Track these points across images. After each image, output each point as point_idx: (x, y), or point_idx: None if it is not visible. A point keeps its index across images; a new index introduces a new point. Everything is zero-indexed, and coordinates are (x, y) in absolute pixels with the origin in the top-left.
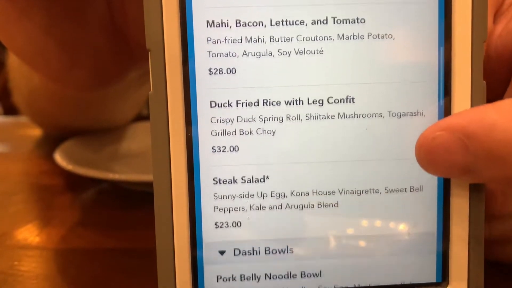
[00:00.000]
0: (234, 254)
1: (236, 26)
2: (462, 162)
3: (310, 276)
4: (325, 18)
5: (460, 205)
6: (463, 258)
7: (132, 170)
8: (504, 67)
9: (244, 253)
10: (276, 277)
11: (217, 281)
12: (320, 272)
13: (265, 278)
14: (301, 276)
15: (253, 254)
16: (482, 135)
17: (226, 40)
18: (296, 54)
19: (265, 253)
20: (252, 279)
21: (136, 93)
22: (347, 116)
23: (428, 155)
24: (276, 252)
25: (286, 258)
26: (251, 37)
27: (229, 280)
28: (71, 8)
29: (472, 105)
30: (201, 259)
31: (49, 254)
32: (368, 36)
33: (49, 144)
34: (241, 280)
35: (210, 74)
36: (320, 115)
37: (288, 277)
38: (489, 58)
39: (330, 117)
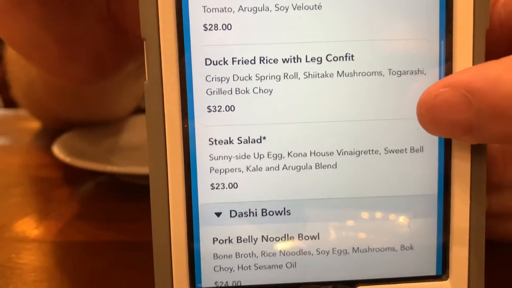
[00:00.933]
0: (231, 216)
1: None
2: (465, 119)
3: (308, 238)
4: None
5: (461, 167)
6: (463, 251)
7: (131, 163)
8: (508, 36)
9: (240, 215)
10: (273, 239)
11: (213, 243)
12: (318, 234)
13: (262, 240)
14: (299, 238)
15: (249, 215)
16: (486, 90)
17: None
18: (294, 9)
19: (262, 215)
20: (249, 241)
21: (134, 85)
22: (346, 74)
23: (430, 113)
24: (273, 214)
25: (283, 220)
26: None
27: (225, 242)
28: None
29: None
30: (196, 220)
31: (48, 247)
32: None
33: (48, 137)
34: (237, 242)
35: (205, 30)
36: (318, 73)
37: (285, 239)
38: (493, 27)
39: (328, 75)
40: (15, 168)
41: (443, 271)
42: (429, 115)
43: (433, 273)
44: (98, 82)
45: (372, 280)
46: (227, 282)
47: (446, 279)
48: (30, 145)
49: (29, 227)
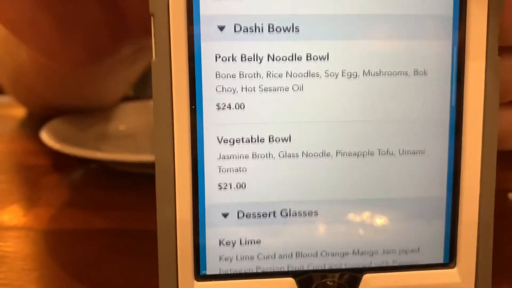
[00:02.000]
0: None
1: None
2: None
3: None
4: None
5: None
6: (471, 239)
7: (121, 150)
8: None
9: (249, 215)
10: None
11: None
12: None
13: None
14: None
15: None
16: None
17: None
18: None
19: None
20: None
21: (126, 71)
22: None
23: None
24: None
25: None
26: None
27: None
28: None
29: (486, 83)
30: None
31: (37, 234)
32: None
33: (33, 124)
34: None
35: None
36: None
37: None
38: None
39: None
40: (0, 156)
41: (450, 259)
42: None
43: (441, 261)
44: (93, 65)
45: (379, 268)
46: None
47: (454, 267)
48: (15, 132)
49: (17, 214)
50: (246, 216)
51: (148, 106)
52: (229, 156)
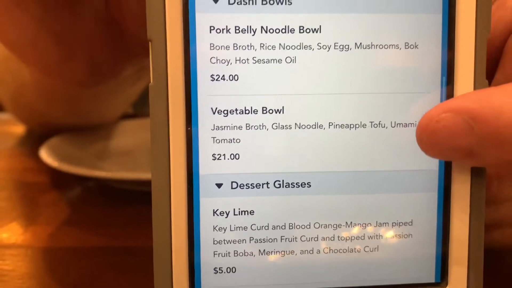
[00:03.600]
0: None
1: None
2: (467, 145)
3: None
4: None
5: (461, 182)
6: (462, 258)
7: (119, 168)
8: (493, 46)
9: (242, 186)
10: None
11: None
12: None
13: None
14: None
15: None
16: (490, 118)
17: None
18: None
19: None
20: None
21: (128, 90)
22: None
23: (431, 138)
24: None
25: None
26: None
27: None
28: None
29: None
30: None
31: (35, 252)
32: None
33: (33, 142)
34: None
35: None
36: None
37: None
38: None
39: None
40: None
41: (442, 278)
42: (430, 139)
43: (432, 280)
44: (95, 86)
45: (371, 287)
46: None
47: (445, 286)
48: (14, 149)
49: (15, 232)
50: (240, 186)
51: (147, 124)
52: (223, 127)
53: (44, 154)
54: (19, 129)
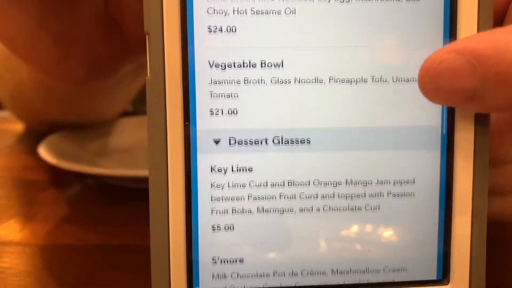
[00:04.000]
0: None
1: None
2: (469, 86)
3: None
4: None
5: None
6: (464, 255)
7: (119, 165)
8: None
9: (240, 142)
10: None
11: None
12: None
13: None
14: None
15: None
16: (493, 58)
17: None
18: None
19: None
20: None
21: (127, 88)
22: None
23: (433, 80)
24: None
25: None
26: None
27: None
28: None
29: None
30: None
31: (33, 250)
32: None
33: (31, 140)
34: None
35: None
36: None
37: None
38: None
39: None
40: None
41: (444, 276)
42: (432, 82)
43: (434, 277)
44: (94, 83)
45: (372, 284)
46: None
47: (447, 284)
48: (13, 147)
49: (13, 230)
50: (238, 143)
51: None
52: (220, 81)
53: (43, 152)
54: (18, 127)
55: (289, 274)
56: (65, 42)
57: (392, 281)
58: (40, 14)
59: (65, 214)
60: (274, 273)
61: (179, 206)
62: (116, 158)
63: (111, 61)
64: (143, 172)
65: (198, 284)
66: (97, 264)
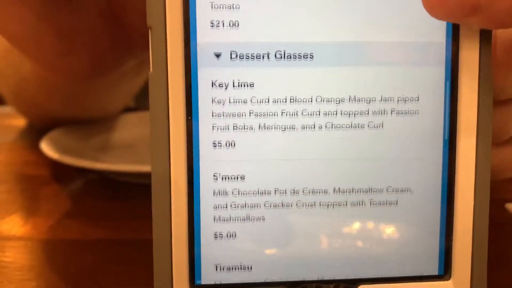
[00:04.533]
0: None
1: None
2: None
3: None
4: None
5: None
6: (466, 251)
7: (121, 161)
8: None
9: (241, 56)
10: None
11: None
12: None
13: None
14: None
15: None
16: None
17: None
18: None
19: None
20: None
21: (130, 83)
22: None
23: None
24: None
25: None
26: None
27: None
28: None
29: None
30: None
31: (35, 245)
32: None
33: (33, 135)
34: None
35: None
36: None
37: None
38: None
39: None
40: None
41: (445, 271)
42: None
43: (436, 272)
44: (96, 79)
45: (374, 279)
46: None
47: (449, 279)
48: (15, 142)
49: (15, 224)
50: (239, 57)
51: (148, 118)
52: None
53: (45, 147)
54: (20, 122)
55: (290, 192)
56: (68, 37)
57: (393, 276)
58: (42, 9)
59: (67, 209)
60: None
61: (182, 200)
62: (118, 153)
63: (113, 56)
64: (145, 168)
65: (200, 278)
66: (99, 259)
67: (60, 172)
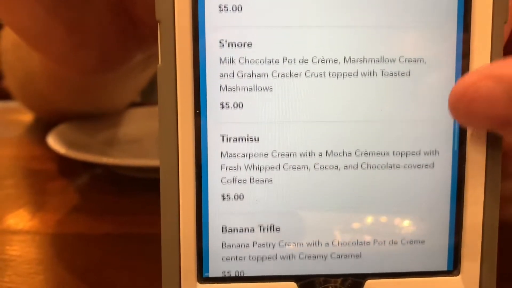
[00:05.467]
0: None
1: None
2: (505, 114)
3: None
4: None
5: (476, 167)
6: (476, 246)
7: (127, 155)
8: None
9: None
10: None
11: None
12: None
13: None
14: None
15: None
16: None
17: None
18: None
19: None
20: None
21: (137, 78)
22: None
23: (468, 106)
24: None
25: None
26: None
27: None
28: None
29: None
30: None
31: (42, 238)
32: None
33: (40, 130)
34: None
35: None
36: None
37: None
38: None
39: None
40: (6, 160)
41: (454, 267)
42: (467, 109)
43: (444, 268)
44: (105, 73)
45: (382, 274)
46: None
47: (458, 275)
48: (22, 137)
49: (23, 219)
50: None
51: (155, 112)
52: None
53: (52, 141)
54: (27, 117)
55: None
56: (77, 31)
57: (402, 271)
58: (52, 3)
59: (74, 203)
60: None
61: (190, 192)
62: (125, 148)
63: (122, 50)
64: (151, 162)
65: (208, 271)
66: (106, 253)
67: (67, 167)
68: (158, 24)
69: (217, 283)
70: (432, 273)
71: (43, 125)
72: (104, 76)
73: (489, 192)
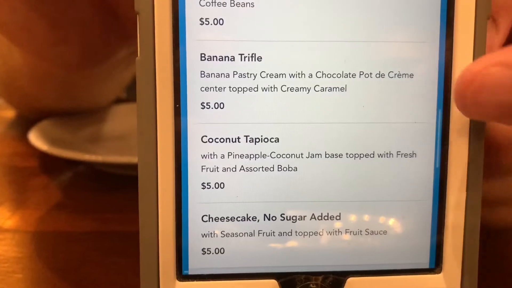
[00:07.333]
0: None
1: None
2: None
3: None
4: None
5: (458, 161)
6: (457, 244)
7: (111, 152)
8: None
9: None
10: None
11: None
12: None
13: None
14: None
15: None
16: None
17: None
18: None
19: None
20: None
21: (121, 74)
22: None
23: (476, 93)
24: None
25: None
26: None
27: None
28: None
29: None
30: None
31: (22, 237)
32: None
33: (22, 126)
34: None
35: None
36: None
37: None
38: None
39: None
40: None
41: (436, 265)
42: (475, 96)
43: (426, 266)
44: (88, 69)
45: (363, 272)
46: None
47: (439, 273)
48: (4, 134)
49: (2, 216)
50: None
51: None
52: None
53: (34, 138)
54: (9, 113)
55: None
56: (59, 26)
57: (384, 269)
58: None
59: (56, 200)
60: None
61: (169, 190)
62: (109, 145)
63: (106, 45)
64: (135, 159)
65: (187, 268)
66: (87, 250)
67: (49, 164)
68: (137, 16)
69: (197, 280)
70: (414, 270)
71: (25, 122)
72: (88, 71)
73: (471, 192)
